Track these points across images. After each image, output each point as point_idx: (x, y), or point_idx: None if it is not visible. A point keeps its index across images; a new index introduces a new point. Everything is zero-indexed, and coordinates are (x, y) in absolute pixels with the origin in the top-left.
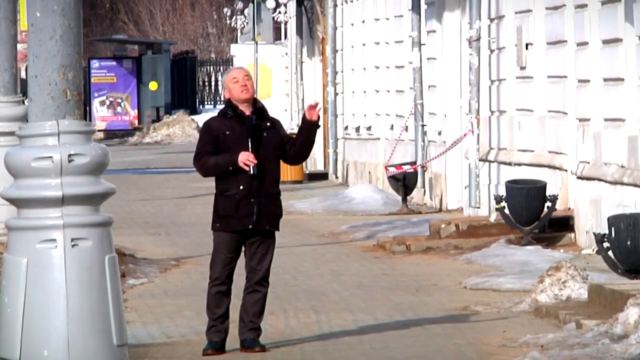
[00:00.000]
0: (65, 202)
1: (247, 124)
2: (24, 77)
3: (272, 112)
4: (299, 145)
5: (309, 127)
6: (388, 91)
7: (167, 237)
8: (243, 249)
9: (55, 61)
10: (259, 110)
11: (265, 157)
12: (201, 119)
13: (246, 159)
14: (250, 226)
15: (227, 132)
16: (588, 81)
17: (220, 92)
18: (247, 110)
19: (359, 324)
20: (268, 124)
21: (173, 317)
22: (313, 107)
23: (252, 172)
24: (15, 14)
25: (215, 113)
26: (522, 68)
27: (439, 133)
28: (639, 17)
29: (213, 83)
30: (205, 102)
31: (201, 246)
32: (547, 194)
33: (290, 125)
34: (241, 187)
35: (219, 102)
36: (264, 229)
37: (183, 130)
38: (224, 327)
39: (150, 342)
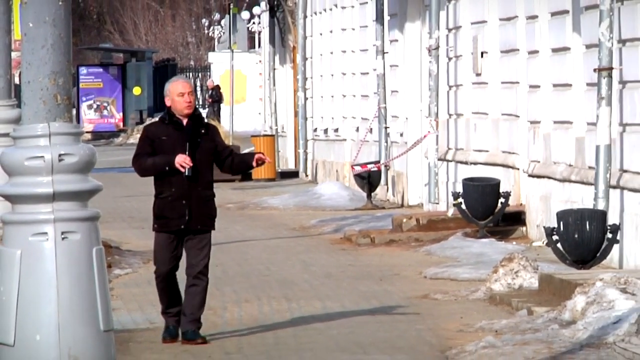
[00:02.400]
0: (55, 198)
1: (187, 130)
2: (18, 83)
3: (247, 116)
4: (238, 166)
5: (250, 166)
6: (354, 96)
7: (149, 230)
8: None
9: (46, 68)
10: (196, 117)
11: (199, 161)
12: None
13: (183, 160)
14: (183, 226)
15: (164, 137)
16: (538, 87)
17: (199, 97)
18: (184, 118)
19: (327, 310)
20: (203, 130)
21: (155, 304)
22: (263, 160)
23: (187, 173)
24: (10, 24)
25: None
26: (478, 74)
27: (401, 134)
28: (586, 27)
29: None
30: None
31: None
32: (501, 190)
33: (264, 127)
34: (173, 190)
35: (197, 106)
36: (196, 228)
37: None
38: (176, 312)
39: (134, 328)
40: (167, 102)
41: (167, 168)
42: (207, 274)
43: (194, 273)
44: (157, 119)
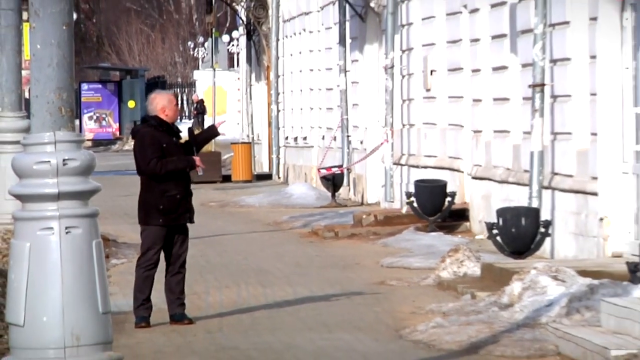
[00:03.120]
0: (60, 198)
1: (190, 138)
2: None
3: (227, 125)
4: (202, 143)
5: (214, 134)
6: (320, 108)
7: (135, 220)
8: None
9: (52, 84)
10: (175, 126)
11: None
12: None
13: (200, 162)
14: (185, 222)
15: (165, 144)
16: (480, 100)
17: (185, 110)
18: (170, 126)
19: (297, 295)
20: (179, 135)
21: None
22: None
23: (200, 173)
24: (21, 46)
25: (180, 126)
26: (428, 90)
27: (361, 142)
28: (522, 49)
29: (179, 102)
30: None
31: None
32: (448, 190)
33: (242, 135)
34: (180, 188)
35: (184, 117)
36: (192, 221)
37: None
38: (150, 305)
39: (129, 310)
40: (160, 112)
41: (188, 169)
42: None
43: (180, 262)
44: (146, 125)
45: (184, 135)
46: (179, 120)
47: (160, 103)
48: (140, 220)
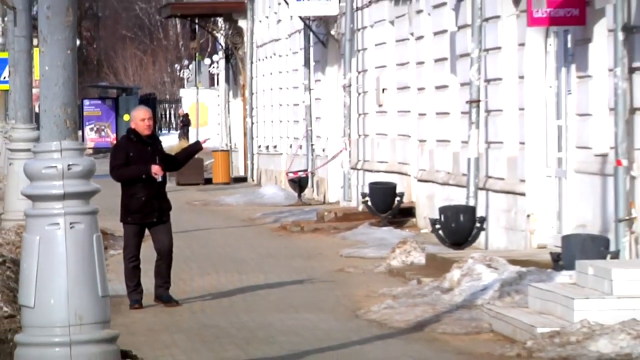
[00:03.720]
0: (65, 198)
1: (155, 148)
2: (37, 112)
3: (210, 142)
4: (183, 160)
5: (198, 149)
6: (288, 121)
7: None
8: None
9: (58, 100)
10: (153, 136)
11: (164, 167)
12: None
13: (158, 169)
14: (155, 219)
15: (132, 153)
16: (425, 114)
17: (173, 122)
18: (146, 137)
19: (268, 281)
20: (159, 146)
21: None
22: (205, 140)
23: (159, 179)
24: (31, 67)
25: (168, 137)
26: (380, 105)
27: (323, 150)
28: (460, 70)
29: (167, 116)
30: (162, 129)
31: None
32: (397, 191)
33: (221, 144)
34: (146, 191)
35: (172, 129)
36: (161, 220)
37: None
38: (141, 289)
39: (124, 294)
40: (132, 125)
41: (144, 176)
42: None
43: (165, 252)
44: (123, 136)
45: (171, 144)
46: (167, 131)
47: (133, 117)
48: (120, 219)
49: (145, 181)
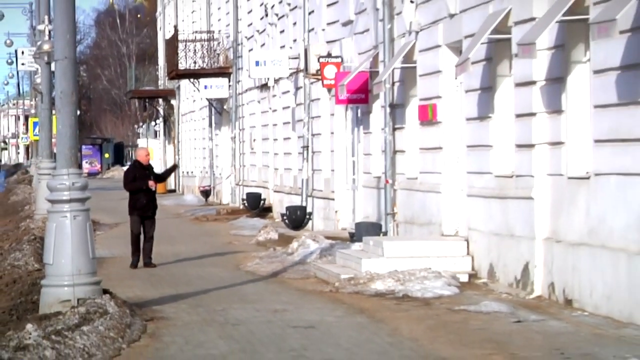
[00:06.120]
0: (71, 201)
1: (150, 171)
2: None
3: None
4: (166, 176)
5: (174, 168)
6: (197, 158)
7: (113, 215)
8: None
9: (67, 144)
10: (149, 165)
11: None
12: (124, 168)
13: (152, 184)
14: (149, 214)
15: (136, 175)
16: (277, 154)
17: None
18: (145, 165)
19: (188, 250)
20: (152, 170)
21: (116, 246)
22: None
23: (153, 189)
24: (51, 126)
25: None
26: (252, 149)
27: (220, 174)
28: (298, 129)
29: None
30: (127, 162)
31: (125, 218)
32: (262, 197)
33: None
34: (144, 196)
35: (128, 161)
36: (152, 215)
37: (118, 172)
38: (138, 254)
39: (106, 257)
40: (137, 157)
41: (144, 187)
42: (154, 236)
43: (150, 235)
44: (126, 166)
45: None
46: (129, 164)
47: (138, 153)
48: (128, 213)
49: (145, 191)
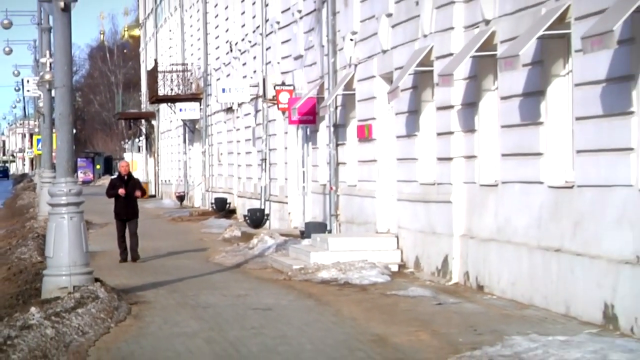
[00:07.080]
0: (68, 205)
1: (125, 180)
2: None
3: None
4: (133, 188)
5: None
6: (174, 169)
7: (103, 216)
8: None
9: (65, 157)
10: (129, 175)
11: (131, 190)
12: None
13: (122, 191)
14: (127, 217)
15: (117, 183)
16: (240, 165)
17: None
18: (125, 176)
19: (167, 245)
20: (132, 180)
21: (106, 242)
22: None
23: (122, 195)
24: (52, 142)
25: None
26: (219, 161)
27: (192, 182)
28: (257, 144)
29: (117, 166)
30: (114, 172)
31: (112, 219)
32: (228, 201)
33: (144, 179)
34: (122, 201)
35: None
36: (132, 217)
37: (107, 181)
38: (126, 252)
39: (97, 251)
40: (119, 170)
41: (117, 194)
42: (137, 233)
43: (132, 232)
44: (114, 176)
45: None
46: (115, 175)
47: (120, 166)
48: (114, 217)
49: (125, 198)
